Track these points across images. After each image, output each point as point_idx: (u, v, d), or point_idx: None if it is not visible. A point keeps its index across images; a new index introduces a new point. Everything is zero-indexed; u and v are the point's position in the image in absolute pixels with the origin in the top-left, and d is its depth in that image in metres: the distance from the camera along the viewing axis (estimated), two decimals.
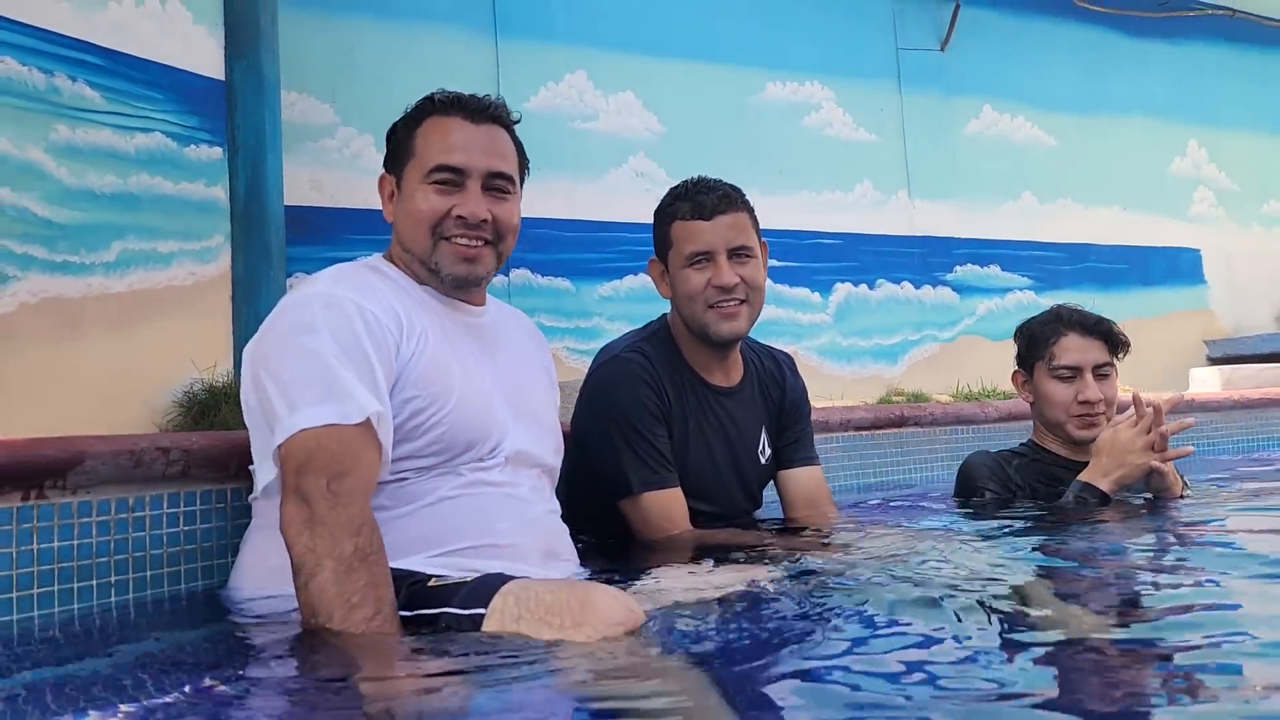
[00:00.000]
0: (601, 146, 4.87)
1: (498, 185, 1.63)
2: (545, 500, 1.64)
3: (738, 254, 2.00)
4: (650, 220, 5.15)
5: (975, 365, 5.40)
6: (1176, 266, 6.45)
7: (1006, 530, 1.98)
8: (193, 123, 2.82)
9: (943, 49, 5.85)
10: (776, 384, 2.24)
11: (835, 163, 5.42)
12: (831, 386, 5.04)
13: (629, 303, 4.79)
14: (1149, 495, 2.24)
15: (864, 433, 2.95)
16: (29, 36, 2.43)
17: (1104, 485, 2.14)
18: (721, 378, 2.14)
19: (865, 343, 5.44)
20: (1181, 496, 2.21)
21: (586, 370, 4.63)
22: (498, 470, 1.54)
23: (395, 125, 1.70)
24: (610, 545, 1.97)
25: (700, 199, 2.01)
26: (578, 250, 4.76)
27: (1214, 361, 6.10)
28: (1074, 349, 2.31)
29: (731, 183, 2.12)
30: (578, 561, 1.67)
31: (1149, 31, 6.46)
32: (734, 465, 2.14)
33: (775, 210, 5.33)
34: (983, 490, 2.35)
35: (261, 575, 1.46)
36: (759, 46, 5.29)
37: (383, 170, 1.71)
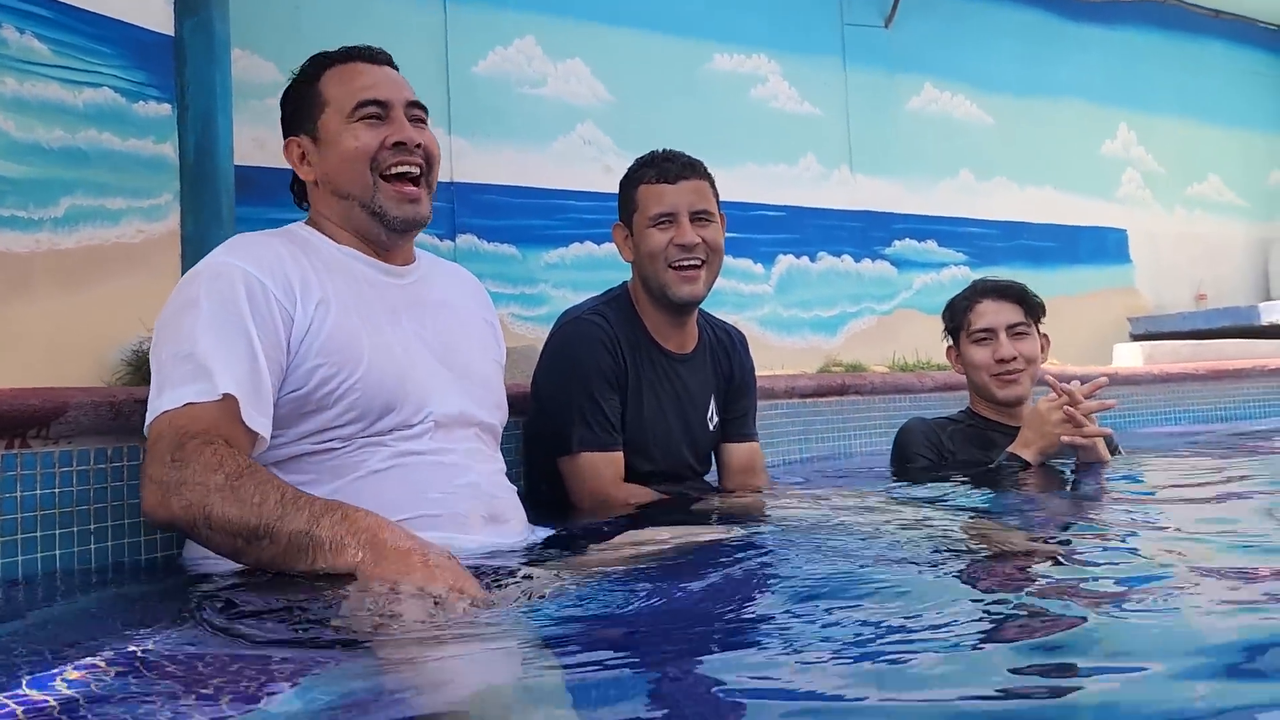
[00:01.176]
0: (550, 113, 4.88)
1: (418, 115, 1.65)
2: (485, 461, 1.63)
3: (699, 217, 2.11)
4: (599, 189, 5.20)
5: (911, 338, 5.56)
6: (1104, 246, 6.67)
7: (937, 494, 2.09)
8: (142, 79, 2.78)
9: (887, 26, 5.94)
10: (726, 357, 2.34)
11: (780, 136, 5.50)
12: (772, 357, 5.15)
13: (575, 270, 4.83)
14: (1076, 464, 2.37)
15: (807, 400, 3.05)
16: None
17: (1026, 455, 2.28)
18: (677, 345, 2.22)
19: (805, 314, 5.56)
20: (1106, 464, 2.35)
21: (533, 336, 4.68)
22: (427, 438, 1.52)
23: (290, 88, 1.69)
24: (564, 505, 2.04)
25: (666, 165, 2.13)
26: (525, 217, 4.78)
27: (1136, 338, 6.35)
28: (988, 312, 2.45)
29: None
30: (525, 522, 1.67)
31: (1087, 16, 6.64)
32: (684, 428, 2.23)
33: (721, 181, 5.36)
34: (917, 457, 2.47)
35: None
36: (708, 18, 5.33)
37: (285, 138, 1.68)
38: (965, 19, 6.18)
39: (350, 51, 1.68)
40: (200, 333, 1.37)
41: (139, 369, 2.60)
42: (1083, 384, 2.27)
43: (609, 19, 5.05)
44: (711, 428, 2.29)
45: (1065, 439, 2.26)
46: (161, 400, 1.35)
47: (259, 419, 1.38)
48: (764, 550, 1.49)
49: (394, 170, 1.58)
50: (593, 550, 1.48)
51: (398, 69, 1.72)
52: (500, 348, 1.85)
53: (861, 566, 1.36)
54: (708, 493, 2.21)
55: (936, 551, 1.44)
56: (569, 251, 4.89)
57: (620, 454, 2.06)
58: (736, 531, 1.59)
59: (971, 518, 1.73)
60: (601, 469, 2.02)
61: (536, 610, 1.17)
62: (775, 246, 5.48)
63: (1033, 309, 2.47)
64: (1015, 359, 2.41)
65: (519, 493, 2.08)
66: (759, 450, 2.41)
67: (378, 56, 1.69)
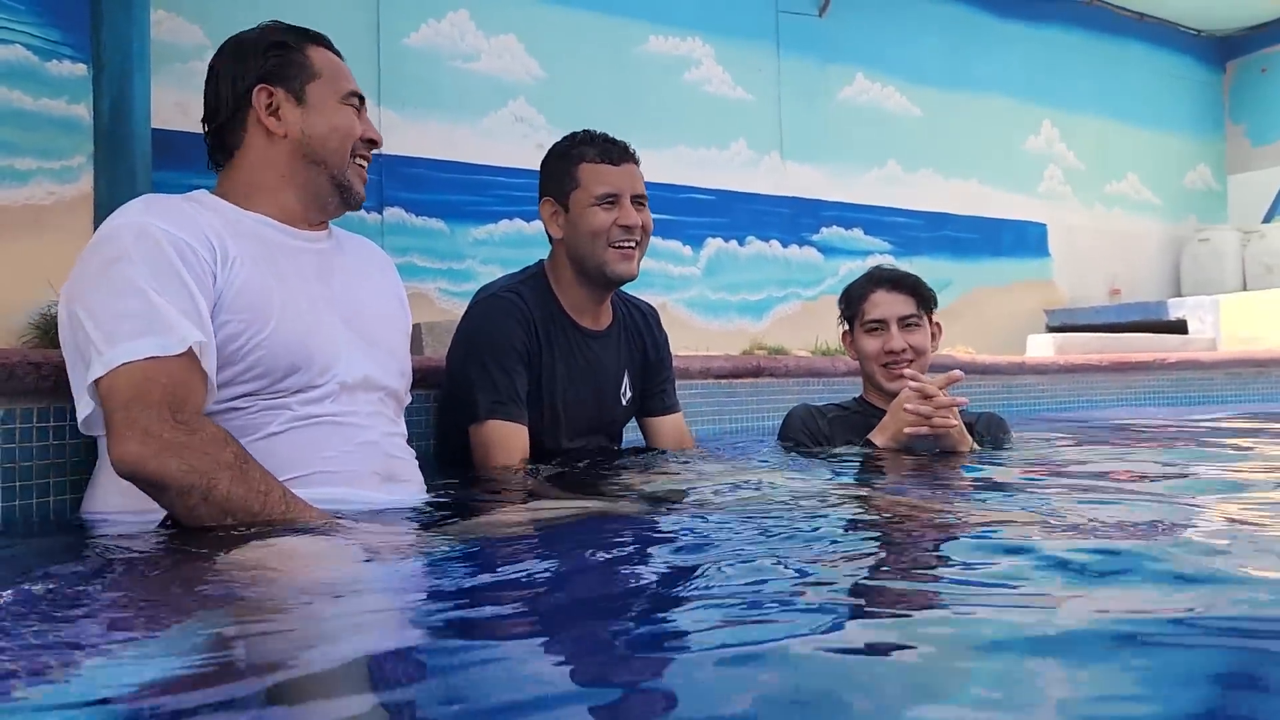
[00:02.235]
0: (481, 88, 4.87)
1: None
2: (386, 423, 1.66)
3: (638, 200, 2.20)
4: (529, 166, 5.16)
5: (835, 323, 5.64)
6: (1024, 239, 6.85)
7: (779, 469, 2.17)
8: (55, 37, 2.73)
9: (821, 15, 6.02)
10: (640, 334, 2.40)
11: (712, 120, 5.55)
12: (698, 338, 5.22)
13: (503, 246, 4.83)
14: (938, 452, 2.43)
15: (722, 381, 3.11)
16: None
17: (878, 440, 2.33)
18: (591, 321, 2.28)
19: (733, 297, 5.63)
20: (970, 452, 2.38)
21: (459, 312, 4.68)
22: (330, 400, 1.55)
23: (279, 46, 1.69)
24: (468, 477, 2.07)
25: (608, 147, 2.20)
26: (453, 191, 4.76)
27: (1052, 329, 6.55)
28: (881, 303, 2.50)
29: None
30: (421, 484, 1.71)
31: (1012, 13, 6.79)
32: (597, 403, 2.28)
33: (652, 163, 5.36)
34: (792, 439, 2.55)
35: (114, 496, 1.47)
36: None
37: (261, 86, 1.65)
38: (896, 11, 6.29)
39: (322, 39, 1.76)
40: (145, 286, 1.38)
41: (46, 332, 2.57)
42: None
43: None
44: (624, 402, 2.34)
45: (909, 430, 2.28)
46: (117, 352, 1.34)
47: (212, 369, 1.42)
48: (643, 521, 1.54)
49: (361, 161, 1.71)
50: (482, 515, 1.52)
51: (340, 54, 1.79)
52: (407, 319, 1.87)
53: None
54: (609, 461, 2.26)
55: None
56: (497, 228, 4.89)
57: (525, 428, 2.09)
58: (626, 505, 1.64)
59: (769, 488, 1.83)
60: (507, 438, 2.05)
61: (414, 571, 1.20)
62: (704, 230, 5.54)
63: (925, 301, 2.53)
64: (904, 351, 2.47)
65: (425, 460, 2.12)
66: (682, 420, 2.50)
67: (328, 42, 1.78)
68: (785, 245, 5.87)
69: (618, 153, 2.19)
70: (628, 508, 1.67)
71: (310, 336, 1.54)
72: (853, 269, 6.18)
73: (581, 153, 2.20)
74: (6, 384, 1.48)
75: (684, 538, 1.45)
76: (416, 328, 3.51)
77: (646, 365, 2.40)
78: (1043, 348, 5.38)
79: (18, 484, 1.51)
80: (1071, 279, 7.04)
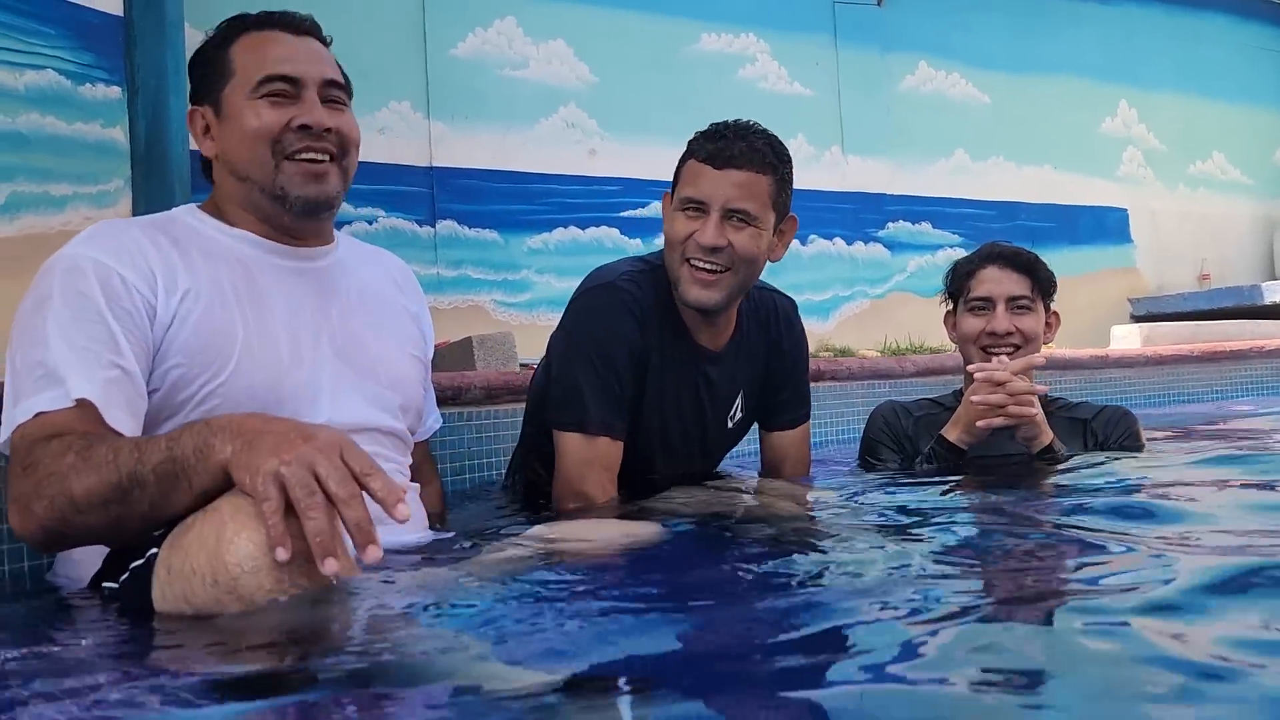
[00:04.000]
0: (531, 96, 4.78)
1: (334, 96, 1.48)
2: (381, 462, 1.36)
3: (736, 216, 1.76)
4: (582, 172, 5.08)
5: (905, 321, 5.46)
6: (1104, 225, 6.55)
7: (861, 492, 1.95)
8: (89, 60, 2.70)
9: (880, 3, 5.82)
10: (766, 338, 2.04)
11: (769, 116, 5.25)
12: None
13: (558, 255, 4.74)
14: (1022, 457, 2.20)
15: None
16: None
17: (950, 435, 2.11)
18: (709, 339, 1.93)
19: (797, 298, 5.36)
20: (1051, 449, 2.14)
21: (515, 323, 4.57)
22: None
23: (200, 50, 1.52)
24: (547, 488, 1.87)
25: (723, 144, 1.77)
26: (506, 201, 4.69)
27: (1137, 319, 6.23)
28: (989, 280, 2.24)
29: (774, 139, 1.87)
30: (423, 523, 1.54)
31: None
32: (700, 431, 1.99)
33: None
34: (878, 446, 2.31)
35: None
36: None
37: (189, 106, 1.53)
38: None
39: (268, 17, 1.50)
40: (52, 333, 1.25)
41: None
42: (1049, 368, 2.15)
43: None
44: (731, 425, 2.04)
45: (981, 423, 2.05)
46: (16, 413, 1.22)
47: (121, 416, 1.24)
48: (687, 556, 1.40)
49: (299, 157, 1.43)
50: (498, 547, 1.36)
51: (327, 42, 1.55)
52: (426, 342, 1.68)
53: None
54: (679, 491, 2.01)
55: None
56: (552, 237, 4.79)
57: (619, 445, 1.83)
58: (670, 532, 1.50)
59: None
60: (611, 459, 1.80)
61: (415, 615, 1.08)
62: None
63: (1041, 282, 2.27)
64: (1010, 334, 2.23)
65: (510, 483, 1.93)
66: (800, 437, 2.11)
67: (300, 25, 1.50)
68: (850, 242, 5.68)
69: (727, 154, 1.75)
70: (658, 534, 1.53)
71: (283, 380, 1.38)
72: (921, 265, 5.97)
73: (695, 146, 1.82)
74: None
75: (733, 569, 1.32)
76: (467, 341, 3.41)
77: (769, 375, 2.05)
78: (1128, 339, 5.09)
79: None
80: (1156, 265, 6.70)
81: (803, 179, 5.92)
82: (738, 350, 1.98)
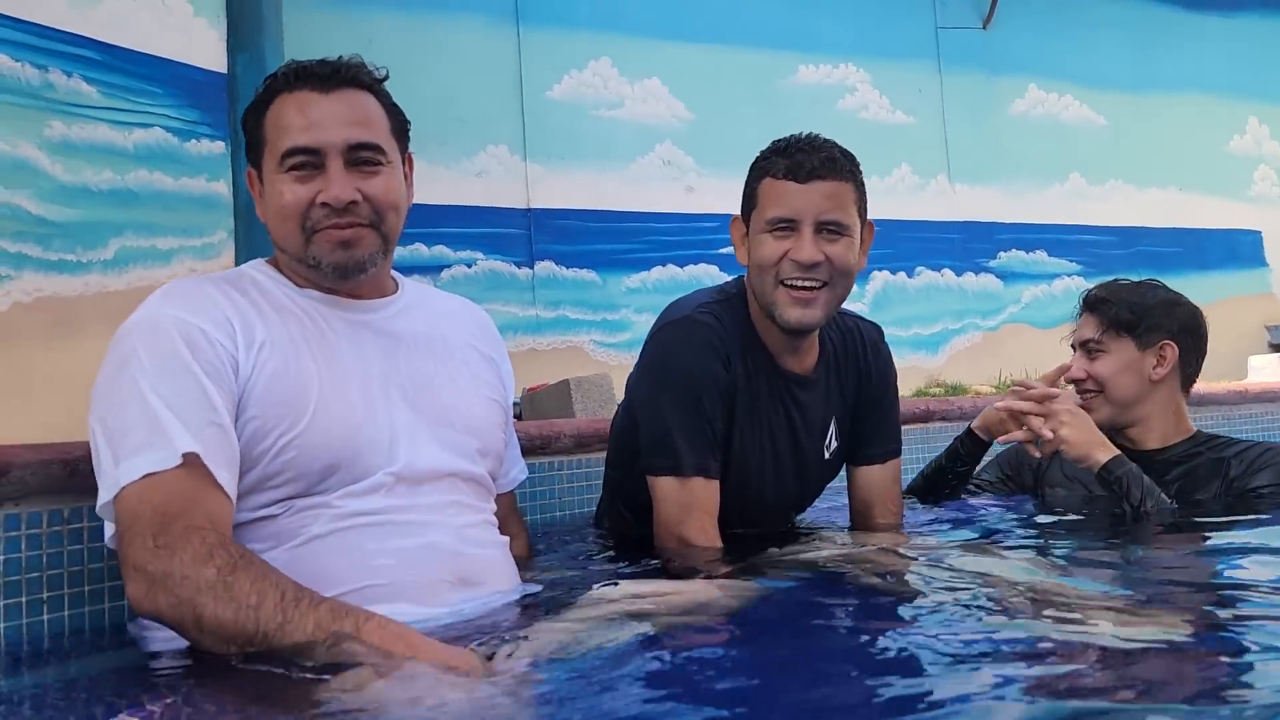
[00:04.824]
0: (627, 135, 4.77)
1: (364, 158, 1.40)
2: (461, 514, 1.42)
3: (828, 228, 1.70)
4: (680, 210, 5.03)
5: (1020, 354, 5.22)
6: (1235, 249, 6.17)
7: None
8: (193, 117, 2.77)
9: (985, 27, 5.65)
10: (856, 363, 1.96)
11: (871, 147, 5.22)
12: None
13: (657, 294, 4.69)
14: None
15: None
16: (22, 32, 2.39)
17: (975, 424, 2.20)
18: (796, 364, 1.86)
19: (904, 332, 5.28)
20: (1109, 469, 2.01)
21: (614, 363, 4.52)
22: (382, 494, 1.33)
23: (245, 112, 1.48)
24: (640, 538, 1.80)
25: (800, 157, 1.71)
26: (604, 241, 4.67)
27: (1276, 348, 5.83)
28: (1078, 325, 2.18)
29: (843, 147, 1.80)
30: (512, 579, 1.46)
31: (1203, 4, 6.18)
32: (797, 460, 1.90)
33: None
34: (984, 472, 2.30)
35: None
36: (790, 28, 5.15)
37: (247, 170, 1.50)
38: (1069, 14, 5.82)
39: (301, 73, 1.43)
40: (146, 391, 1.22)
41: None
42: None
43: (686, 36, 4.92)
44: (828, 455, 1.94)
45: (1001, 438, 2.08)
46: (119, 473, 1.20)
47: (226, 476, 1.22)
48: (792, 615, 1.30)
49: (329, 228, 1.37)
50: (583, 608, 1.28)
51: (374, 80, 1.47)
52: (504, 386, 1.62)
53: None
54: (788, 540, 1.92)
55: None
56: (650, 275, 4.75)
57: (715, 485, 1.75)
58: (775, 587, 1.40)
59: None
60: (709, 501, 1.73)
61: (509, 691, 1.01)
62: (869, 263, 5.18)
63: (1118, 322, 2.13)
64: (1083, 380, 2.13)
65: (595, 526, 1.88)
66: (892, 471, 2.01)
67: (332, 77, 1.42)
68: (959, 273, 5.48)
69: (809, 167, 1.69)
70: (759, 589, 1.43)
71: (359, 429, 1.34)
72: (1037, 295, 5.72)
73: (768, 165, 1.75)
74: (69, 481, 1.38)
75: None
76: (564, 384, 3.38)
77: (860, 403, 1.96)
78: (1267, 370, 4.75)
79: (64, 591, 1.38)
80: None
81: (908, 209, 5.78)
82: (827, 375, 1.91)
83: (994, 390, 4.58)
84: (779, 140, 1.77)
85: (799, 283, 1.70)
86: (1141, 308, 2.14)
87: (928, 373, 5.22)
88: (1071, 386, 2.16)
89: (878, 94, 5.36)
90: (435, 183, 4.31)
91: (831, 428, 1.92)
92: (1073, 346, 2.16)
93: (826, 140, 1.75)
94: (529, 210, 4.54)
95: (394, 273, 1.59)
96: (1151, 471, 2.01)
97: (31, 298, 2.36)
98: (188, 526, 1.15)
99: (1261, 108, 6.34)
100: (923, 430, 2.90)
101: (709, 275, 4.75)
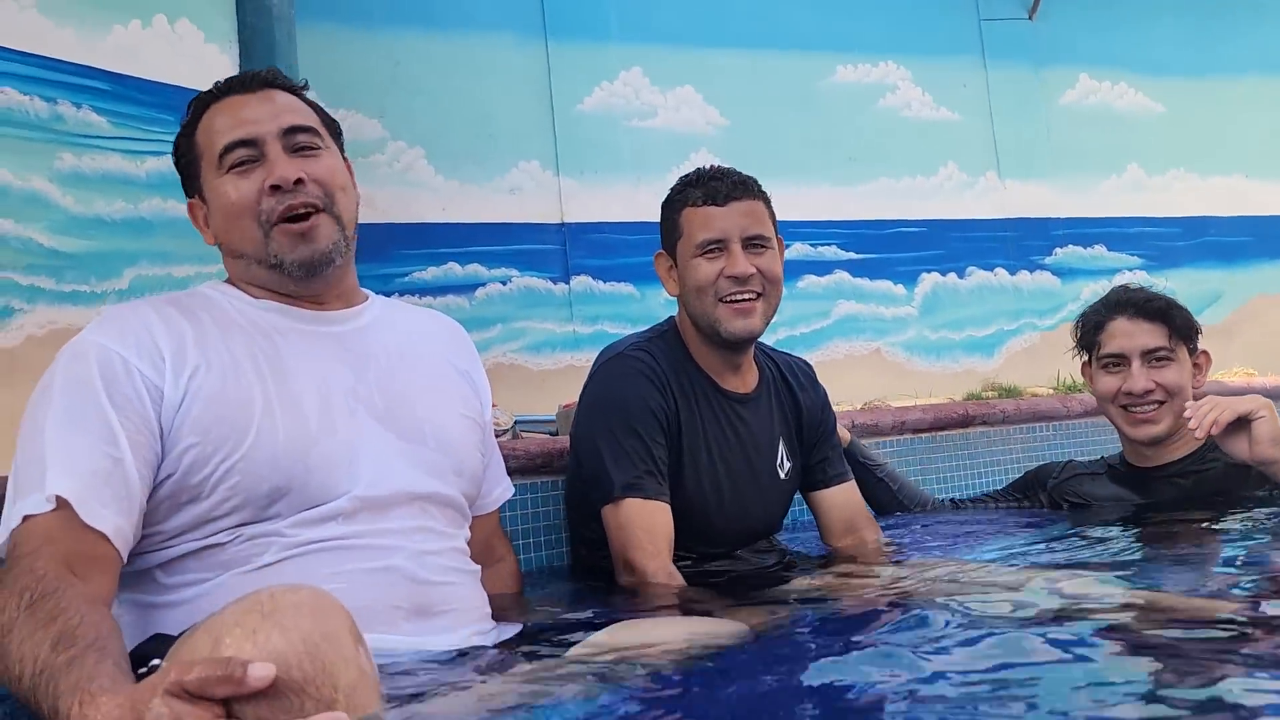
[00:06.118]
0: (661, 145, 4.69)
1: (302, 142, 1.38)
2: (427, 539, 1.33)
3: (753, 243, 1.85)
4: None
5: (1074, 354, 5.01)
6: None
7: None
8: None
9: (1031, 17, 5.46)
10: (793, 393, 2.04)
11: (916, 146, 5.10)
12: (918, 384, 4.73)
13: None
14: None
15: (922, 435, 2.67)
16: (29, 65, 2.41)
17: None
18: (737, 383, 1.95)
19: (956, 335, 5.10)
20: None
21: None
22: (340, 522, 1.25)
23: (176, 141, 1.48)
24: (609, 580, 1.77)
25: (714, 184, 1.88)
26: (641, 254, 4.55)
27: None
28: (1119, 334, 2.05)
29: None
30: (482, 614, 1.37)
31: None
32: (753, 481, 1.93)
33: (851, 200, 5.05)
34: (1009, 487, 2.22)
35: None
36: (826, 28, 5.03)
37: (188, 202, 1.49)
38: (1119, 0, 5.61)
39: (225, 85, 1.45)
40: (46, 426, 1.18)
41: None
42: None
43: (718, 41, 4.83)
44: (784, 475, 1.98)
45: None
46: (10, 515, 1.15)
47: (104, 513, 1.15)
48: (798, 659, 1.19)
49: (282, 218, 1.35)
50: (556, 655, 1.18)
51: (296, 87, 1.47)
52: (481, 402, 1.55)
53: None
54: (775, 568, 1.91)
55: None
56: None
57: (668, 506, 1.77)
58: (776, 623, 1.30)
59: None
60: (649, 518, 1.73)
61: None
62: (917, 264, 5.07)
63: (1179, 329, 2.04)
64: (1152, 391, 2.00)
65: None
66: (856, 491, 2.10)
67: (254, 80, 1.44)
68: (1013, 272, 5.29)
69: (725, 190, 1.86)
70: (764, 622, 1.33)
71: (311, 448, 1.26)
72: (1097, 290, 5.41)
73: (685, 196, 1.91)
74: None
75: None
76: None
77: (803, 429, 2.04)
78: None
79: None
80: None
81: (957, 208, 5.60)
82: (769, 395, 2.00)
83: (1051, 392, 4.38)
84: (685, 175, 1.96)
85: (738, 296, 1.82)
86: (1187, 314, 2.10)
87: (982, 376, 5.04)
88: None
89: (920, 91, 5.20)
90: (468, 201, 4.29)
91: (781, 447, 1.99)
92: (1109, 360, 2.08)
93: (731, 168, 1.94)
94: (563, 225, 4.48)
95: (364, 289, 1.55)
96: (1170, 484, 2.00)
97: (45, 330, 2.36)
98: (22, 569, 1.08)
99: None
100: (961, 436, 2.76)
101: None
